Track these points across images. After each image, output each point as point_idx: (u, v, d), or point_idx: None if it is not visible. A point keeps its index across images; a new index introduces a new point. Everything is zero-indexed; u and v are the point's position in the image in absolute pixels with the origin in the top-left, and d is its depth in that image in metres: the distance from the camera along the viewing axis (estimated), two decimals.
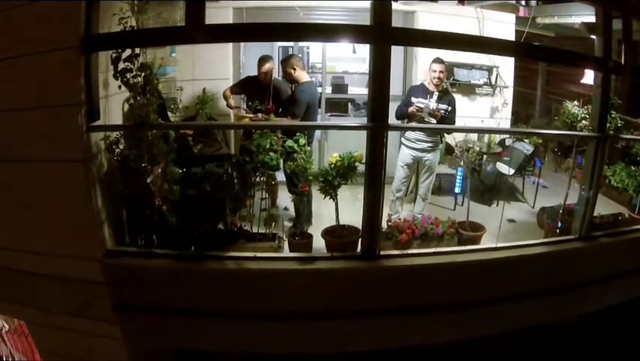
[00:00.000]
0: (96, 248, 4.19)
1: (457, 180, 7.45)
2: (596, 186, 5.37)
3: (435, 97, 6.30)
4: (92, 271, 4.17)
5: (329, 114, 9.38)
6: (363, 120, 9.24)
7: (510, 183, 8.17)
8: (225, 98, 6.63)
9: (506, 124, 8.52)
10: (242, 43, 7.66)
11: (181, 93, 6.72)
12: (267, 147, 4.63)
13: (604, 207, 5.49)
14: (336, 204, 4.74)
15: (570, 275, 5.40)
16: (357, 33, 4.35)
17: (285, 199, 6.29)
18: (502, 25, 7.84)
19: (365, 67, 12.02)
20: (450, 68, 7.88)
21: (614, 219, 6.14)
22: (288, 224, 5.88)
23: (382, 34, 4.13)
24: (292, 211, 6.05)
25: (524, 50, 5.75)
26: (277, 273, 4.35)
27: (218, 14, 6.72)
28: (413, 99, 6.29)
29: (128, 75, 4.09)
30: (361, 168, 4.54)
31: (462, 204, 7.53)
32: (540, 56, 6.67)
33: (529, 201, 7.97)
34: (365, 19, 4.25)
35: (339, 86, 10.04)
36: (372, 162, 4.28)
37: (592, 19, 7.09)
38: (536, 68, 12.09)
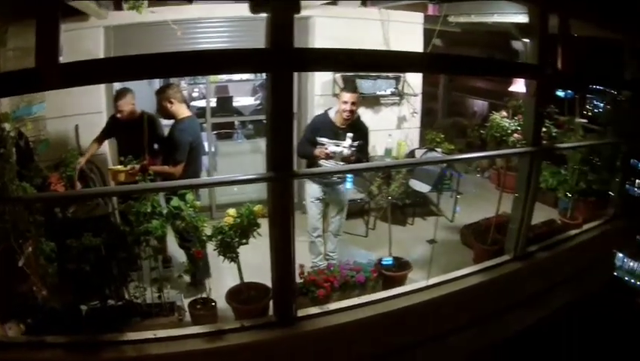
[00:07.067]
0: None
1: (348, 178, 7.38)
2: (531, 203, 5.49)
3: (348, 139, 5.78)
4: None
5: (215, 133, 9.36)
6: (255, 142, 9.48)
7: (422, 195, 8.17)
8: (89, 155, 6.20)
9: (415, 133, 8.68)
10: None
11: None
12: (149, 211, 4.29)
13: None
14: (238, 264, 4.50)
15: (511, 296, 5.61)
16: (251, 61, 3.94)
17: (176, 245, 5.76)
18: (409, 26, 7.97)
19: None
20: (352, 79, 7.78)
21: (547, 229, 6.42)
22: (185, 278, 5.58)
23: (283, 59, 3.79)
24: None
25: (454, 64, 5.41)
26: (184, 356, 4.09)
27: (87, 35, 6.48)
28: (321, 139, 5.87)
29: None
30: None
31: (374, 228, 7.58)
32: (470, 71, 6.44)
33: (447, 215, 8.17)
34: (255, 30, 4.07)
35: (224, 101, 10.09)
36: (277, 215, 4.06)
37: (518, 18, 7.30)
38: None
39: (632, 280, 14.76)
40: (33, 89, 4.61)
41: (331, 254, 6.22)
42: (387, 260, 5.32)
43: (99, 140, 6.26)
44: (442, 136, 7.52)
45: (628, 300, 12.63)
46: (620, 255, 14.70)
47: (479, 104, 13.59)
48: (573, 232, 6.58)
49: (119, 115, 6.04)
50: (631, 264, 15.20)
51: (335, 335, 4.49)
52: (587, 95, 12.87)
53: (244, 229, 4.35)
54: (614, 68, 7.23)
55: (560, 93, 9.58)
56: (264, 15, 3.74)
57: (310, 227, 6.20)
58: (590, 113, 11.05)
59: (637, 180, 16.62)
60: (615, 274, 13.86)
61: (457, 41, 10.73)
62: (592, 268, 7.08)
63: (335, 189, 6.14)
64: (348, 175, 6.33)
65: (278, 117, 3.95)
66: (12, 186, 3.92)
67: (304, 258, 5.73)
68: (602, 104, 9.83)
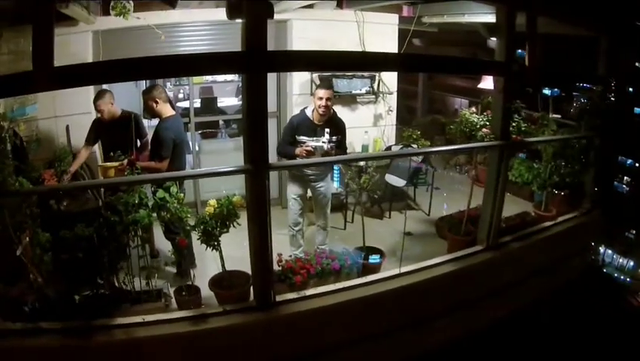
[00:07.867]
0: None
1: (335, 174, 7.79)
2: (501, 195, 5.73)
3: (327, 134, 6.14)
4: None
5: (199, 132, 9.64)
6: (237, 141, 9.69)
7: (399, 190, 8.48)
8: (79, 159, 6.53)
9: (392, 130, 8.97)
10: None
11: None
12: (136, 202, 4.57)
13: (505, 203, 5.93)
14: (220, 252, 4.78)
15: (484, 285, 5.81)
16: (227, 63, 4.29)
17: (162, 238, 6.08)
18: (384, 27, 8.26)
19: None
20: (328, 79, 8.10)
21: (520, 221, 6.68)
22: (171, 269, 6.01)
23: (257, 61, 4.05)
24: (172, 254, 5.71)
25: (422, 63, 5.88)
26: (170, 338, 4.36)
27: (76, 39, 6.77)
28: (300, 137, 6.17)
29: None
30: None
31: (352, 221, 7.86)
32: (440, 68, 6.78)
33: (423, 208, 8.48)
34: (236, 33, 4.22)
35: (208, 101, 10.26)
36: (255, 206, 4.37)
37: (487, 18, 7.54)
38: None
39: (622, 277, 14.97)
40: (29, 90, 4.87)
41: (322, 247, 6.47)
42: (375, 258, 5.59)
43: (87, 145, 6.60)
44: (418, 133, 7.82)
45: (617, 296, 12.76)
46: (610, 252, 14.96)
47: (459, 102, 13.80)
48: (547, 223, 6.80)
49: (99, 115, 6.43)
50: (620, 260, 15.43)
51: (311, 319, 4.78)
52: (574, 93, 13.23)
53: (224, 219, 4.63)
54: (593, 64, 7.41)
55: (547, 91, 9.92)
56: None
57: (291, 221, 6.52)
58: (574, 110, 11.36)
59: (625, 177, 16.94)
60: (605, 270, 14.15)
61: (435, 41, 10.97)
62: (566, 259, 7.32)
63: (316, 188, 6.48)
64: (335, 171, 6.65)
65: (253, 115, 4.23)
66: (10, 180, 4.14)
67: (285, 250, 5.98)
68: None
